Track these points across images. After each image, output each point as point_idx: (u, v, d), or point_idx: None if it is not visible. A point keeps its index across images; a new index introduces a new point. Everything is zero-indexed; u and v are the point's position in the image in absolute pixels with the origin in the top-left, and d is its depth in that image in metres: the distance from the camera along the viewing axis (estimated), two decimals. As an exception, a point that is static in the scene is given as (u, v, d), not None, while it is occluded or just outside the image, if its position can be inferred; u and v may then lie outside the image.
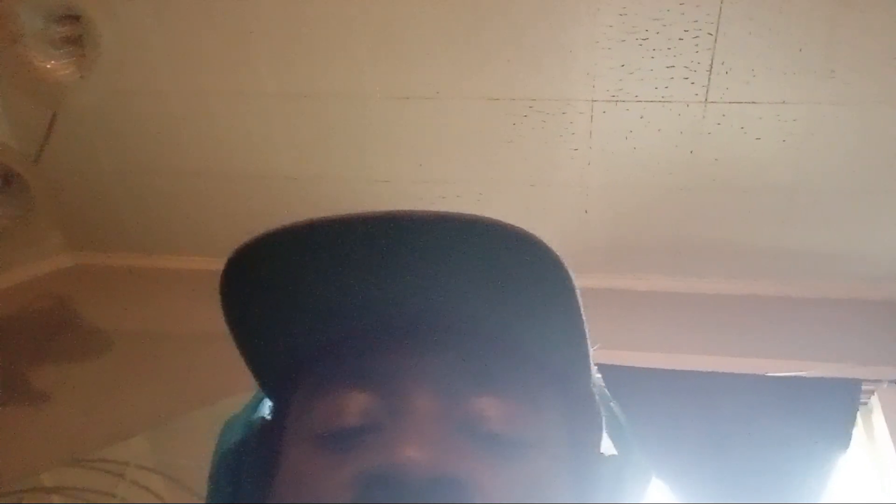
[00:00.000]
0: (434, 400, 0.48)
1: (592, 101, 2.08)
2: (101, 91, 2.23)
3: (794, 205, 2.25)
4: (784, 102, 2.01)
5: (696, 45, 1.93)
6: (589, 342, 0.53)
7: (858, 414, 2.11)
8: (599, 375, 0.59)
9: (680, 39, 1.92)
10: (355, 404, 0.49)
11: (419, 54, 2.07)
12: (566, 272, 0.49)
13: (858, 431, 2.13)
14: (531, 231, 0.49)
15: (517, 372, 0.52)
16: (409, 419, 0.46)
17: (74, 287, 2.63)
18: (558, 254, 0.49)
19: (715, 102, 2.03)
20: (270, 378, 0.57)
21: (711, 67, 1.96)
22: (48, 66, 2.11)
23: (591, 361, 0.55)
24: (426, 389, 0.48)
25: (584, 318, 0.51)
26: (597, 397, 0.57)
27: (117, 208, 2.60)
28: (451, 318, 0.51)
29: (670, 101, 2.05)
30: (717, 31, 1.90)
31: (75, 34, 2.14)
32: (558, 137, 2.17)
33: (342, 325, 0.52)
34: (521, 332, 0.52)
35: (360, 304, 0.51)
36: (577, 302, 0.50)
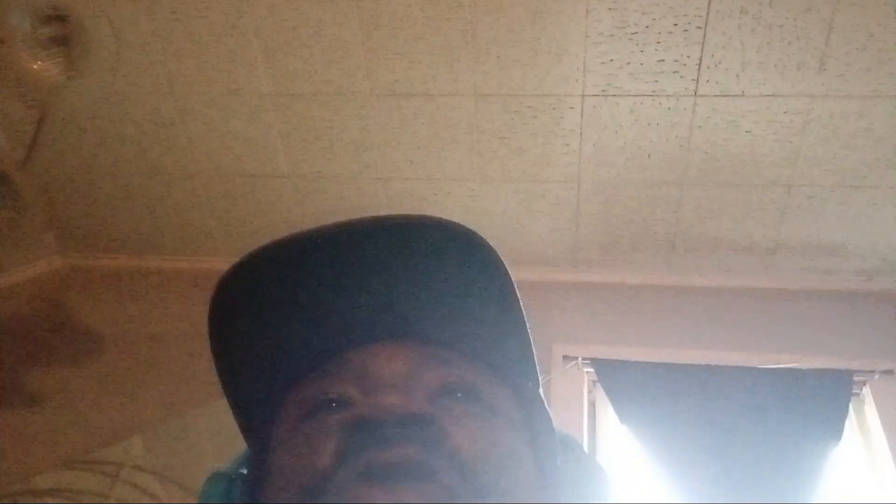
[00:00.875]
0: (400, 376, 0.54)
1: (583, 95, 2.08)
2: (93, 91, 2.22)
3: (786, 199, 2.26)
4: (775, 95, 2.02)
5: (686, 38, 1.93)
6: (533, 344, 0.58)
7: (851, 405, 2.13)
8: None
9: (669, 33, 1.93)
10: (333, 386, 0.54)
11: (411, 51, 2.07)
12: (502, 264, 0.55)
13: (851, 422, 2.15)
14: (472, 228, 0.54)
15: (471, 361, 0.57)
16: (382, 388, 0.52)
17: (66, 289, 2.62)
18: (495, 247, 0.55)
19: (705, 96, 2.04)
20: (250, 410, 0.59)
21: (701, 61, 1.97)
22: (36, 67, 2.11)
23: (537, 365, 0.60)
24: (393, 372, 0.54)
25: (523, 309, 0.57)
26: (546, 404, 0.60)
27: (109, 209, 2.59)
28: (408, 311, 0.56)
29: (661, 95, 2.05)
30: (706, 25, 1.90)
31: (63, 34, 2.13)
32: (549, 133, 2.18)
33: (315, 334, 0.56)
34: (469, 323, 0.57)
35: (327, 311, 0.56)
36: (514, 292, 0.56)
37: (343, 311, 0.56)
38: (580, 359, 2.26)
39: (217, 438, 2.02)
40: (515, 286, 0.56)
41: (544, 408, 0.59)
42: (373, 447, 0.47)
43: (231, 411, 0.58)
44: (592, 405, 2.28)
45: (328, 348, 0.56)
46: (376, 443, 0.47)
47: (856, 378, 2.15)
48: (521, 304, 0.56)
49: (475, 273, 0.55)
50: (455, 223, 0.54)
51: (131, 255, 2.72)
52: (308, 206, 2.45)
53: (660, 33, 1.93)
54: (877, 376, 2.15)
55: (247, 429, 0.59)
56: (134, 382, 2.25)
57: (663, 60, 1.98)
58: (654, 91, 2.04)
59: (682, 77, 2.00)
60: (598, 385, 2.25)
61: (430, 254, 0.54)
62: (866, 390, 2.16)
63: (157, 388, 2.22)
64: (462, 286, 0.56)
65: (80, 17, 2.08)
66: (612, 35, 1.95)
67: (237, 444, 0.61)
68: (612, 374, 2.23)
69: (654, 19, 1.91)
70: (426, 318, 0.56)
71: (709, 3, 1.86)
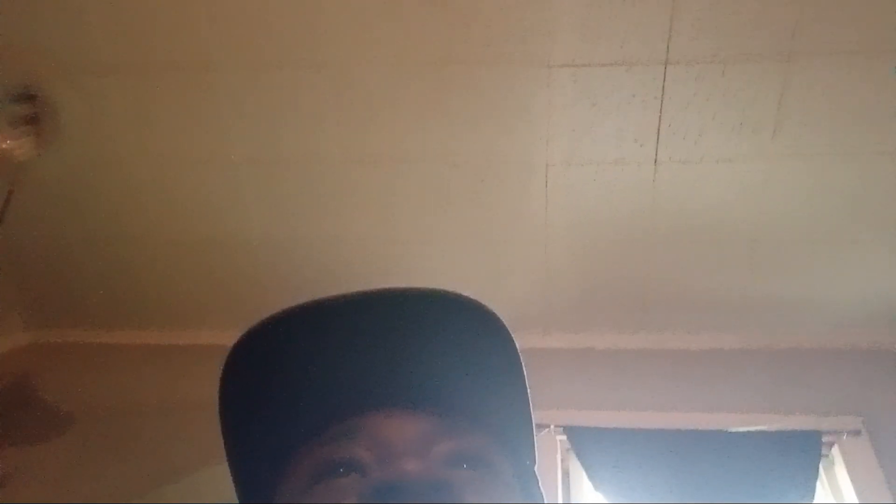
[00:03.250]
0: (415, 443, 0.55)
1: (547, 164, 2.12)
2: (63, 167, 2.22)
3: (751, 259, 2.29)
4: (732, 159, 2.07)
5: (644, 107, 1.98)
6: (533, 418, 0.60)
7: (821, 466, 2.13)
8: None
9: (628, 103, 1.98)
10: (345, 449, 0.55)
11: (382, 119, 2.09)
12: (513, 342, 0.58)
13: (822, 483, 2.15)
14: (487, 305, 0.57)
15: (478, 433, 0.58)
16: (399, 454, 0.53)
17: (33, 366, 2.57)
18: (508, 326, 0.57)
19: (665, 161, 2.08)
20: (252, 471, 0.59)
21: (660, 129, 2.02)
22: (4, 146, 2.11)
23: (535, 443, 0.61)
24: (407, 439, 0.55)
25: (528, 388, 0.59)
26: (539, 484, 0.61)
27: (78, 284, 2.57)
28: (419, 381, 0.58)
29: (622, 163, 2.09)
30: (662, 94, 1.96)
31: (32, 113, 2.15)
32: (516, 199, 2.21)
33: (323, 398, 0.57)
34: (478, 396, 0.58)
35: (337, 378, 0.57)
36: (521, 371, 0.58)
37: (352, 378, 0.57)
38: (552, 426, 2.25)
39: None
40: (523, 365, 0.58)
41: (538, 487, 0.61)
42: None
43: (231, 472, 0.58)
44: (566, 473, 2.26)
45: (336, 413, 0.57)
46: None
47: (825, 439, 2.16)
48: (527, 382, 0.59)
49: (486, 348, 0.58)
50: (470, 298, 0.57)
51: (98, 329, 2.69)
52: (280, 272, 2.44)
53: (619, 103, 1.99)
54: (845, 437, 2.16)
55: (245, 490, 0.59)
56: (102, 461, 2.20)
57: (623, 129, 2.03)
58: (615, 158, 2.09)
59: (641, 145, 2.05)
60: (572, 452, 2.24)
61: (443, 326, 0.57)
62: (835, 451, 2.17)
63: (127, 465, 2.16)
64: (473, 360, 0.58)
65: (50, 95, 2.10)
66: (574, 105, 2.00)
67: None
68: (585, 441, 2.22)
69: (612, 90, 1.97)
70: (436, 388, 0.58)
71: (664, 73, 1.93)
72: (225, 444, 0.58)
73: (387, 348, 0.57)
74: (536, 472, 0.62)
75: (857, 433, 2.15)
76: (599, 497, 2.14)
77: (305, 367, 0.57)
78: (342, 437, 0.55)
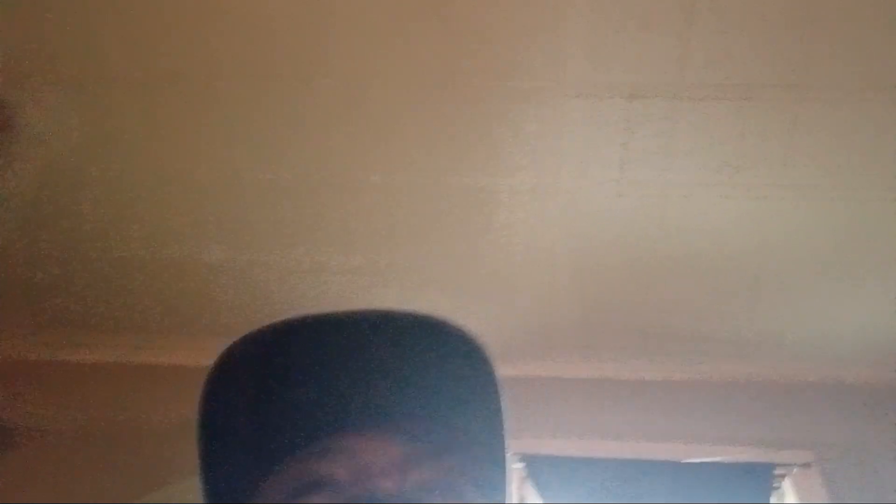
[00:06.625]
0: (390, 466, 0.55)
1: (546, 189, 2.10)
2: (25, 179, 2.18)
3: (711, 293, 2.32)
4: (736, 188, 2.06)
5: (649, 133, 1.96)
6: (506, 436, 0.60)
7: (773, 498, 2.16)
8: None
9: (632, 128, 1.96)
10: (321, 468, 0.55)
11: (382, 143, 2.06)
12: (494, 374, 0.59)
13: (774, 516, 2.18)
14: (464, 326, 0.58)
15: (450, 461, 0.59)
16: (376, 474, 0.54)
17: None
18: (485, 348, 0.58)
19: (669, 188, 2.07)
20: (227, 488, 0.58)
21: (663, 154, 2.00)
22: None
23: (507, 459, 0.62)
24: (383, 461, 0.55)
25: (504, 422, 0.59)
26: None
27: (39, 300, 2.51)
28: (396, 406, 0.58)
29: (619, 184, 2.08)
30: (668, 120, 1.93)
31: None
32: (516, 225, 2.20)
33: (301, 417, 0.57)
34: (454, 426, 0.59)
35: (315, 397, 0.58)
36: (500, 405, 0.59)
37: (331, 397, 0.57)
38: (510, 454, 2.24)
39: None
40: (503, 399, 0.59)
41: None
42: None
43: (202, 487, 0.58)
44: (522, 500, 2.26)
45: (313, 431, 0.57)
46: None
47: (776, 472, 2.19)
48: (505, 415, 0.59)
49: (468, 378, 0.59)
50: (455, 325, 0.58)
51: (53, 348, 2.63)
52: (243, 295, 2.41)
53: (623, 128, 1.96)
54: (796, 470, 2.19)
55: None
56: (69, 478, 2.14)
57: (626, 146, 2.00)
58: (614, 180, 2.07)
59: (647, 170, 2.03)
60: (529, 481, 2.24)
61: (426, 352, 0.57)
62: (787, 483, 2.20)
63: (94, 482, 2.11)
64: (454, 390, 0.58)
65: (10, 103, 2.06)
66: (580, 128, 1.96)
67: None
68: (542, 470, 2.22)
69: (617, 115, 1.94)
70: (415, 415, 0.58)
71: (671, 101, 1.90)
72: (200, 457, 0.57)
73: (367, 369, 0.57)
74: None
75: (807, 466, 2.18)
76: (554, 526, 2.14)
77: (285, 384, 0.57)
78: (318, 456, 0.56)
